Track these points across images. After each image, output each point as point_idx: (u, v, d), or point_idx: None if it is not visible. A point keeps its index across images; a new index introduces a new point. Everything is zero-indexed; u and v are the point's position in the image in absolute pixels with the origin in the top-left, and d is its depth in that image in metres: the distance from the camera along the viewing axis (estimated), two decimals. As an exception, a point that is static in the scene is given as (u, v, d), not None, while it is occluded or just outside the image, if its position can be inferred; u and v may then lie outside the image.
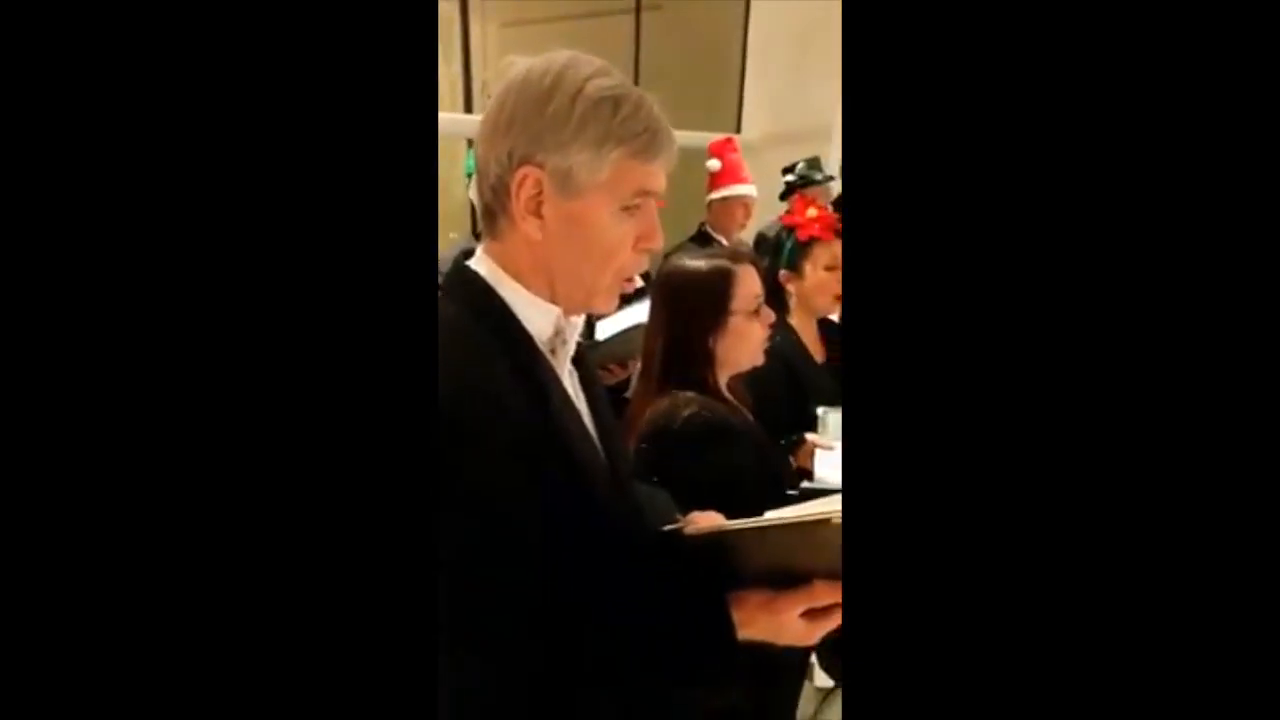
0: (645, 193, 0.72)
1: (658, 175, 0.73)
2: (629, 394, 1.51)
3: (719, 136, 3.09)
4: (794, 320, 1.80)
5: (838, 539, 0.64)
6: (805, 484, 1.35)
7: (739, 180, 2.83)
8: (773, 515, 0.72)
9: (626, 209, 0.72)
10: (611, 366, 1.95)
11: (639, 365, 1.36)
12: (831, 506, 0.64)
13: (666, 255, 2.19)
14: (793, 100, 4.70)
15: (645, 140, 0.70)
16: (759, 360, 1.32)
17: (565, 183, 0.70)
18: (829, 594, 0.70)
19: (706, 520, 0.87)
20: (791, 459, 1.51)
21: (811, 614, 0.71)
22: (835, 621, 0.71)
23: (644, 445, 1.19)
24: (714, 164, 2.84)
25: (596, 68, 0.71)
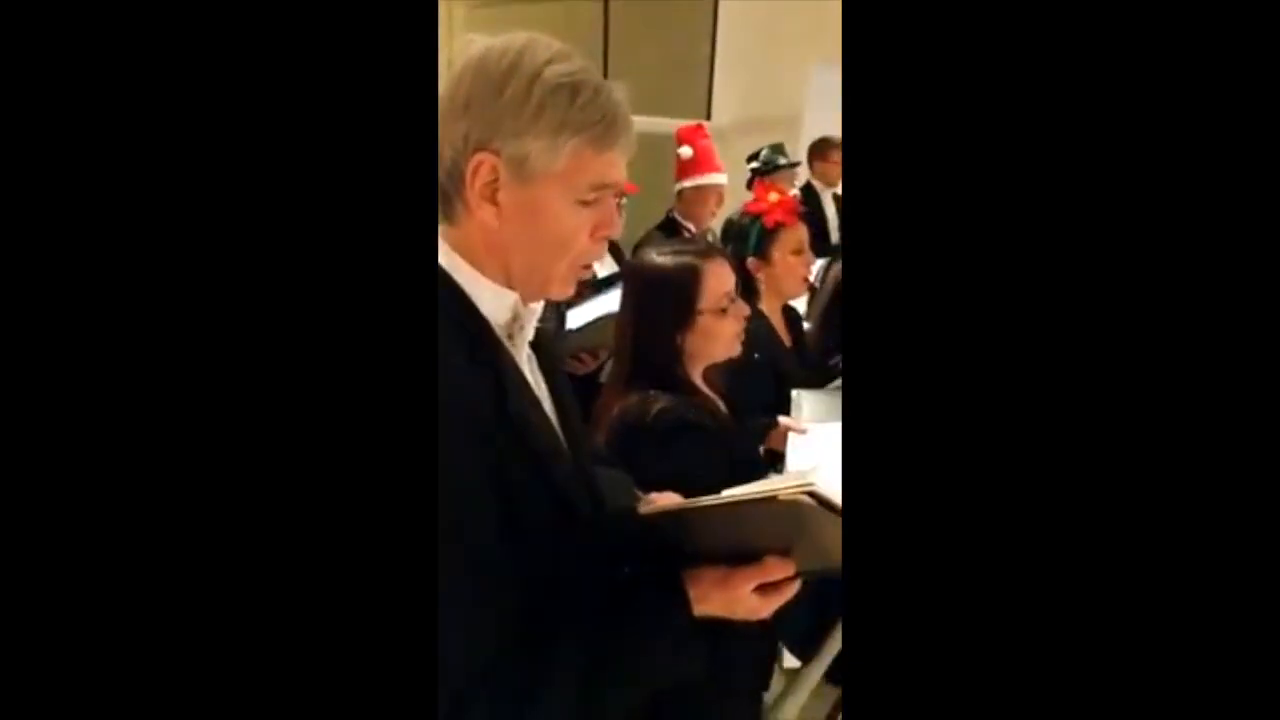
0: (603, 186, 0.72)
1: (616, 165, 0.72)
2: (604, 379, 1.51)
3: (689, 123, 3.05)
4: (764, 306, 1.81)
5: (787, 514, 0.66)
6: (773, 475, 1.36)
7: (712, 169, 2.75)
8: (727, 494, 0.73)
9: (584, 202, 0.71)
10: (583, 356, 1.95)
11: (611, 356, 1.35)
12: (781, 484, 0.66)
13: (637, 245, 2.19)
14: (763, 87, 4.70)
15: (603, 128, 0.69)
16: (734, 352, 1.31)
17: (521, 170, 0.69)
18: (781, 569, 0.72)
19: (663, 500, 0.88)
20: (762, 442, 1.52)
21: (764, 589, 0.73)
22: (787, 595, 0.74)
23: (613, 440, 1.18)
24: (685, 151, 2.74)
25: (555, 51, 0.70)
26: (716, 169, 2.76)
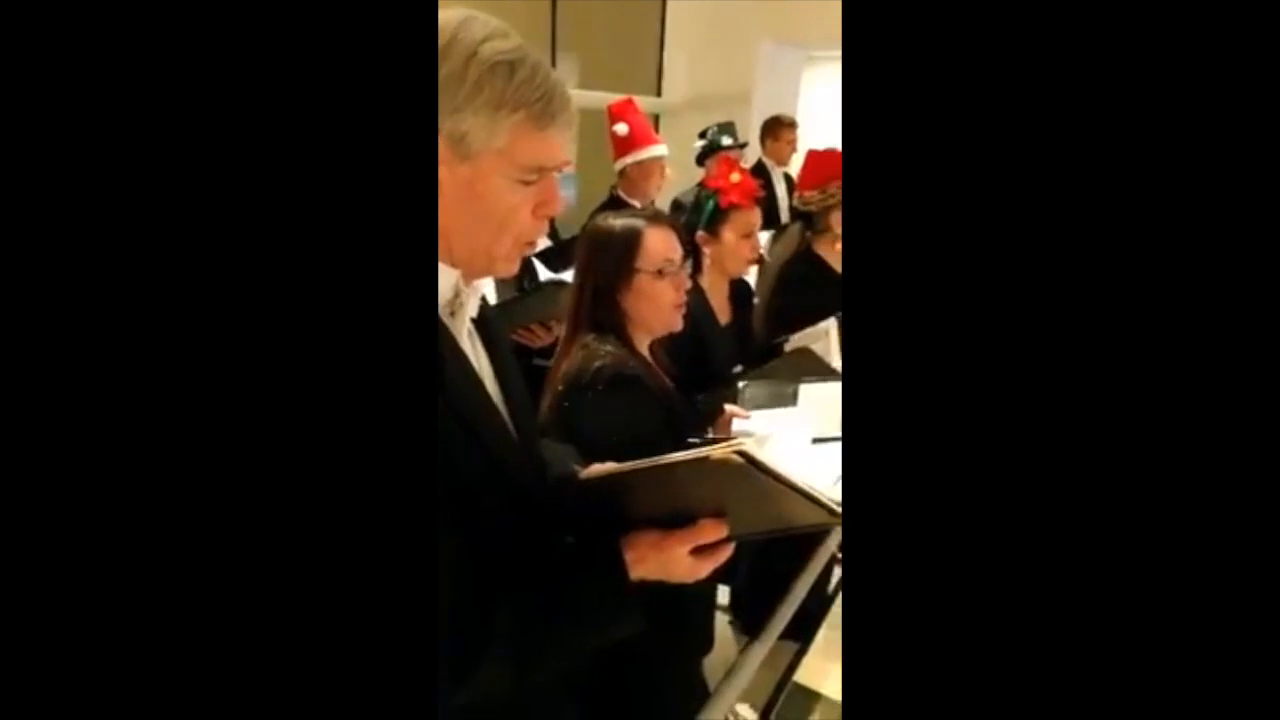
0: (543, 168, 0.72)
1: (556, 143, 0.72)
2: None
3: (641, 99, 3.01)
4: (705, 282, 1.81)
5: (720, 476, 0.67)
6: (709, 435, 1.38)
7: (650, 141, 2.72)
8: (665, 457, 0.74)
9: (524, 181, 0.71)
10: (533, 328, 1.93)
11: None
12: (714, 447, 0.67)
13: (586, 223, 2.17)
14: (712, 64, 4.69)
15: (542, 106, 0.69)
16: (675, 325, 1.33)
17: (460, 147, 0.68)
18: (715, 530, 0.74)
19: (602, 469, 0.89)
20: (710, 430, 1.53)
21: (700, 551, 0.75)
22: (722, 558, 0.76)
23: (560, 397, 1.21)
24: (621, 128, 2.71)
25: (492, 29, 0.69)
26: (654, 141, 2.74)
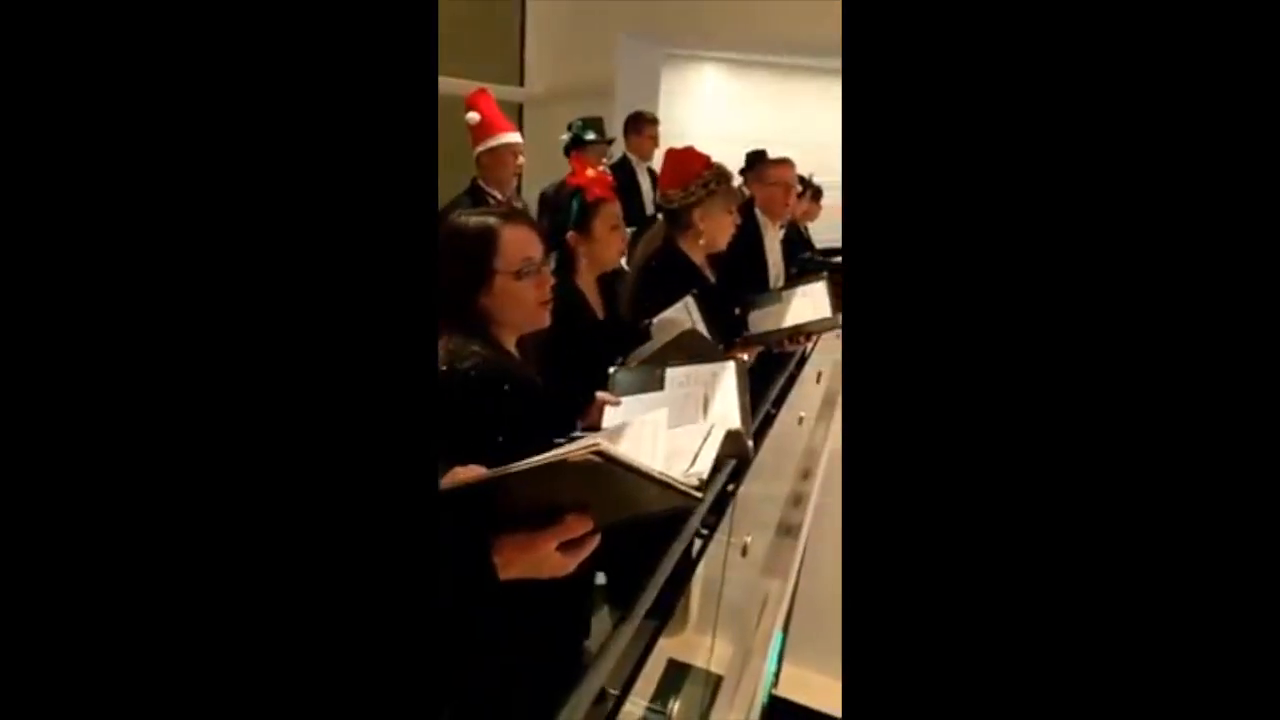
0: None
1: None
2: None
3: (504, 88, 2.98)
4: (581, 280, 1.83)
5: (581, 474, 0.70)
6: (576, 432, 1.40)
7: (504, 128, 2.75)
8: (526, 461, 0.76)
9: None
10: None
11: None
12: (570, 448, 0.70)
13: (441, 213, 2.14)
14: (574, 55, 4.70)
15: None
16: (541, 323, 1.32)
17: None
18: (580, 524, 0.77)
19: (466, 474, 0.90)
20: (579, 419, 1.55)
21: (567, 545, 0.77)
22: (589, 549, 0.79)
23: None
24: (473, 116, 2.73)
25: None
26: (507, 129, 2.76)
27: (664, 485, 0.76)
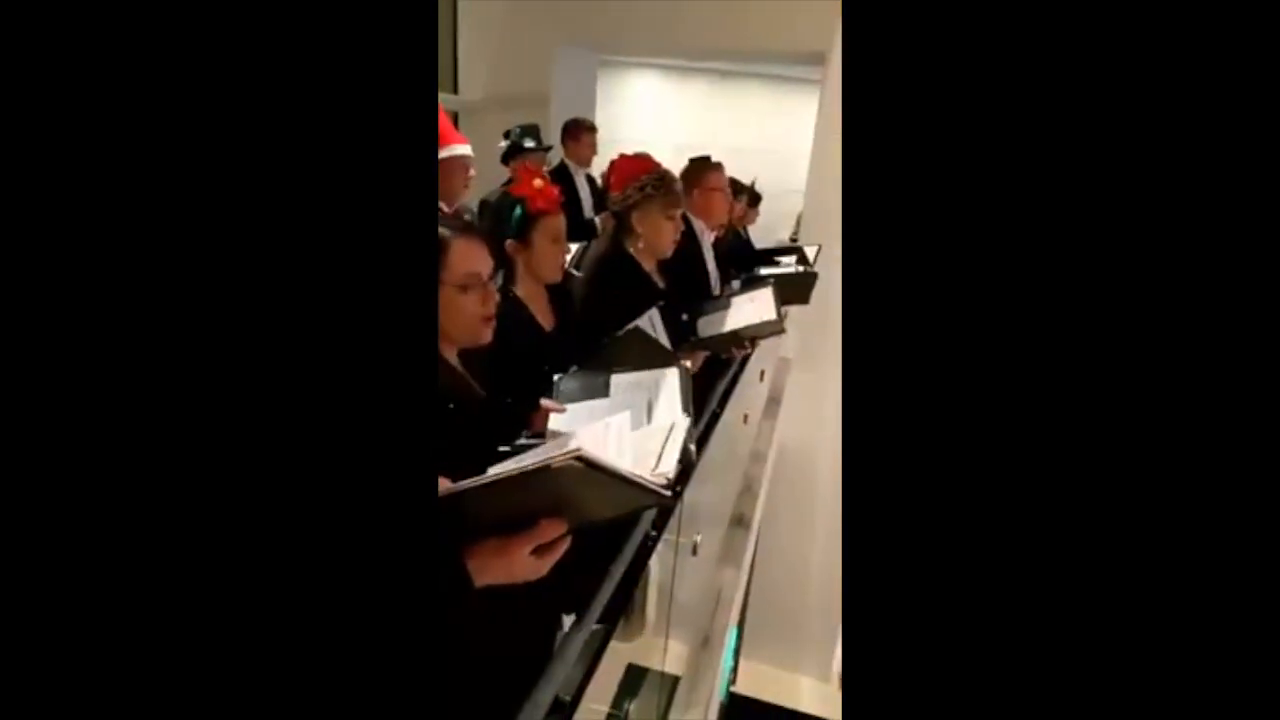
0: None
1: None
2: None
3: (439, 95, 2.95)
4: (521, 291, 1.82)
5: (559, 480, 0.72)
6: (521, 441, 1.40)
7: (454, 140, 2.70)
8: (495, 470, 0.78)
9: None
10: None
11: None
12: (548, 453, 0.72)
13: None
14: (509, 64, 4.68)
15: None
16: (483, 339, 1.30)
17: None
18: (554, 528, 0.78)
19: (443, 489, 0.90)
20: (526, 427, 1.55)
21: (539, 550, 0.79)
22: (560, 551, 0.80)
23: None
24: None
25: None
26: (457, 140, 2.70)
27: (639, 486, 0.77)
